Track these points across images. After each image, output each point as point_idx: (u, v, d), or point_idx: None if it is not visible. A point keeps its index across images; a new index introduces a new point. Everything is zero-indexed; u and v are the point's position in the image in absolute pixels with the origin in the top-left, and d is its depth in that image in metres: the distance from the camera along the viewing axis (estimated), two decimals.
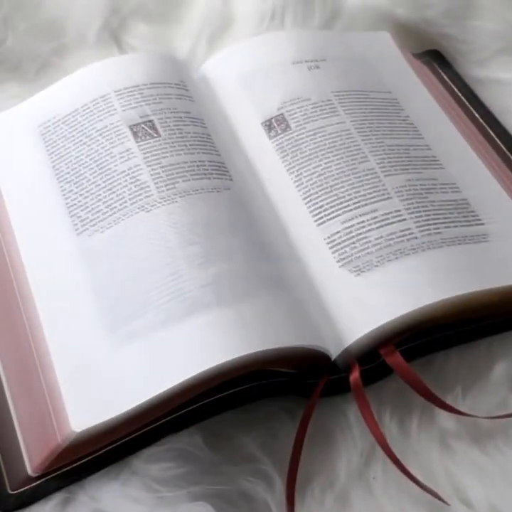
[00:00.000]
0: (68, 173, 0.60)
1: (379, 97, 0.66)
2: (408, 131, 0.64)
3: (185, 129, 0.61)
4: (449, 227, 0.59)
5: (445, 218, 0.59)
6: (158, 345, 0.52)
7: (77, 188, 0.59)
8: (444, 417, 0.55)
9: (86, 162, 0.60)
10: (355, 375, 0.55)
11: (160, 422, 0.53)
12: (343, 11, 0.75)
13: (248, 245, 0.56)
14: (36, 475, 0.52)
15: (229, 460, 0.53)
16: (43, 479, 0.52)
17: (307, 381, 0.56)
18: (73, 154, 0.61)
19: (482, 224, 0.60)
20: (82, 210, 0.58)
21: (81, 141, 0.61)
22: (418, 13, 0.75)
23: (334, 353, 0.54)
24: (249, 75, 0.66)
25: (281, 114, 0.63)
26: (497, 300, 0.57)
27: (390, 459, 0.52)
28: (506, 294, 0.57)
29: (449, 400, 0.55)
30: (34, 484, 0.52)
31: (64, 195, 0.59)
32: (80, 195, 0.59)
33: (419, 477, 0.52)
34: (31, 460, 0.52)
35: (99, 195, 0.58)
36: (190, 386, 0.50)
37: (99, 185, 0.59)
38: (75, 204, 0.58)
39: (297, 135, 0.62)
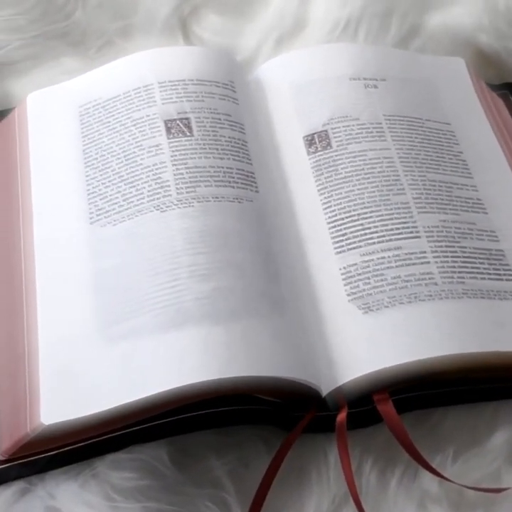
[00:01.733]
0: (96, 159, 0.59)
1: (434, 127, 0.62)
2: (457, 168, 0.61)
3: (220, 132, 0.59)
4: (475, 278, 0.55)
5: (473, 268, 0.55)
6: (144, 351, 0.51)
7: (101, 175, 0.58)
8: (427, 478, 0.52)
9: (115, 151, 0.59)
10: (341, 416, 0.52)
11: (130, 429, 0.51)
12: (423, 30, 0.71)
13: (258, 263, 0.54)
14: (3, 459, 0.52)
15: (193, 481, 0.51)
16: (8, 464, 0.52)
17: (291, 413, 0.53)
18: (105, 141, 0.59)
19: None
20: (100, 199, 0.57)
21: (115, 128, 0.60)
22: (502, 43, 0.71)
23: (325, 389, 0.52)
24: (302, 85, 0.63)
25: (326, 130, 0.60)
26: None
27: (357, 510, 0.49)
28: None
29: (437, 460, 0.52)
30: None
31: (87, 181, 0.58)
32: (102, 183, 0.58)
33: None
34: (1, 443, 0.52)
35: (120, 187, 0.57)
36: (165, 399, 0.49)
37: (122, 176, 0.57)
38: (96, 192, 0.57)
39: (336, 155, 0.59)
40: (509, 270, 0.56)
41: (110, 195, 0.57)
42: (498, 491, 0.51)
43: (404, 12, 0.71)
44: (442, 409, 0.55)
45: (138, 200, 0.56)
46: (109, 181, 0.58)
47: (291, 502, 0.51)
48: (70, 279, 0.55)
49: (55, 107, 0.63)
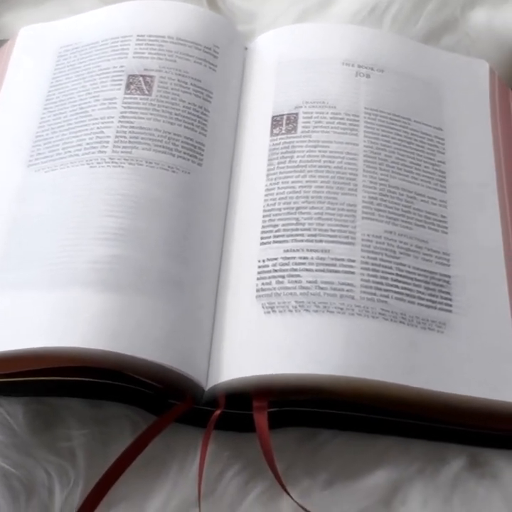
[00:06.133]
0: (55, 103, 0.57)
1: (420, 130, 0.57)
2: (431, 179, 0.55)
3: (182, 96, 0.56)
4: (402, 299, 0.50)
5: (404, 288, 0.50)
6: (23, 304, 0.49)
7: (54, 121, 0.56)
8: (287, 502, 0.47)
9: (73, 98, 0.57)
10: (215, 414, 0.48)
11: None
12: (460, 26, 0.65)
13: (169, 238, 0.51)
14: None
15: (44, 446, 0.49)
16: None
17: (169, 401, 0.50)
18: (69, 87, 0.58)
19: (449, 311, 0.50)
20: (44, 144, 0.55)
21: (81, 75, 0.58)
22: None
23: (209, 382, 0.49)
24: (290, 62, 0.59)
25: (296, 113, 0.56)
26: (416, 401, 0.48)
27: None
28: (429, 399, 0.48)
29: (304, 484, 0.48)
30: None
31: (40, 124, 0.57)
32: (52, 128, 0.56)
33: None
34: None
35: (64, 134, 0.55)
36: (28, 357, 0.47)
37: (71, 124, 0.56)
38: (42, 136, 0.56)
39: (297, 141, 0.55)
40: (447, 299, 0.51)
41: (53, 142, 0.55)
42: None
43: (442, 2, 0.65)
44: (332, 432, 0.50)
45: (75, 151, 0.54)
46: (58, 127, 0.56)
47: (137, 492, 0.48)
48: None
49: (39, 45, 0.61)
